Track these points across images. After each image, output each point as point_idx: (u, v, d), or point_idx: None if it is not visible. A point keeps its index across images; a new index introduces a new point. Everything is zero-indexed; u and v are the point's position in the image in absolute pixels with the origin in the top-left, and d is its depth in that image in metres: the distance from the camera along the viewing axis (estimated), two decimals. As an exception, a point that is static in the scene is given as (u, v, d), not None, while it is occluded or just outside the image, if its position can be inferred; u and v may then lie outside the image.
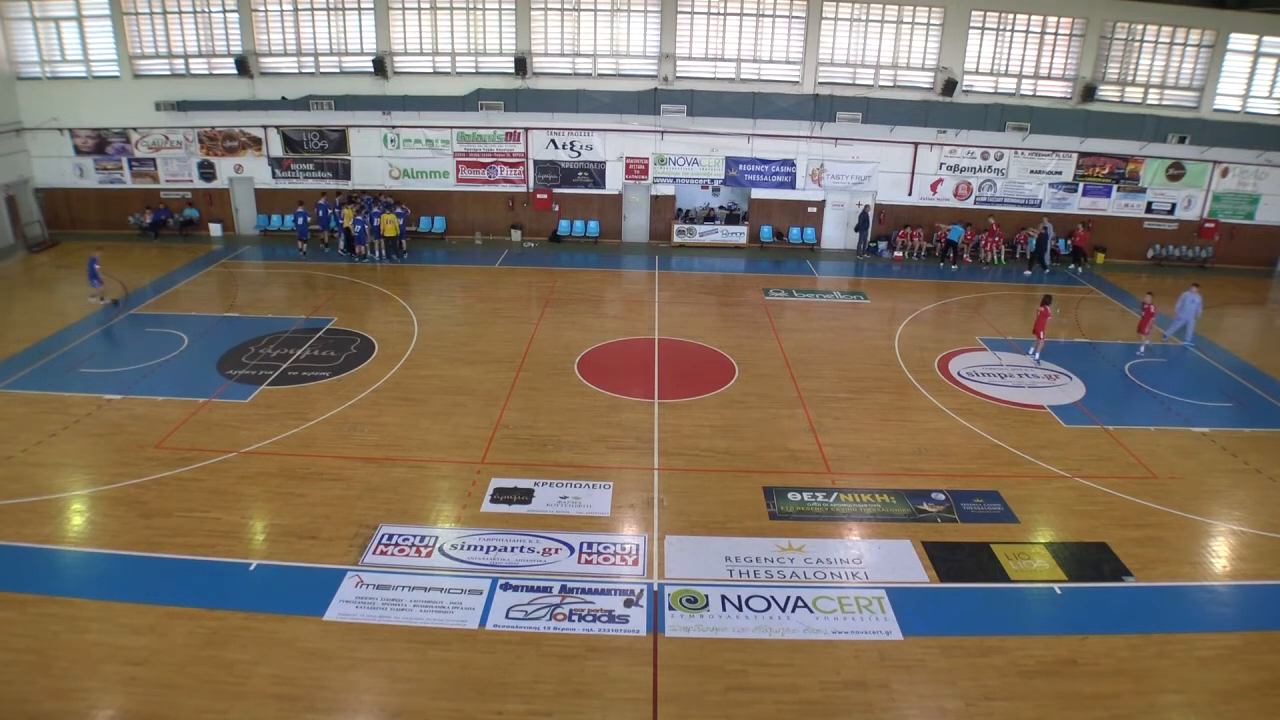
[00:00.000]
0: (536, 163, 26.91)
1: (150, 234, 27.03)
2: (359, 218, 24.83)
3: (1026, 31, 25.49)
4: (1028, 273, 25.97)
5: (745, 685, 8.99)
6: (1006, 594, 10.70)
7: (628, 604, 10.16)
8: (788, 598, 10.37)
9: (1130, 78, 25.90)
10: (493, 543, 11.32)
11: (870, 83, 25.93)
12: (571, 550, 11.20)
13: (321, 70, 25.94)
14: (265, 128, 26.52)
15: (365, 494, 12.42)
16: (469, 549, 11.17)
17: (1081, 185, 26.89)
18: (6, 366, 16.69)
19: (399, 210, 25.36)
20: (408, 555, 10.99)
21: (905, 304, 22.58)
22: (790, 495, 12.70)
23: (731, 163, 26.83)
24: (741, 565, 10.98)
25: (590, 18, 25.42)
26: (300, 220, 25.07)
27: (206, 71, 25.99)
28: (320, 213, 25.62)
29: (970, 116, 25.54)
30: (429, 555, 11.01)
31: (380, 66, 25.36)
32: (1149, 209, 27.23)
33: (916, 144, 26.45)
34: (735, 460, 13.76)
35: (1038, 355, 18.42)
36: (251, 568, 10.72)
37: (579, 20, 25.46)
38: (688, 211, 27.74)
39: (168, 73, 26.08)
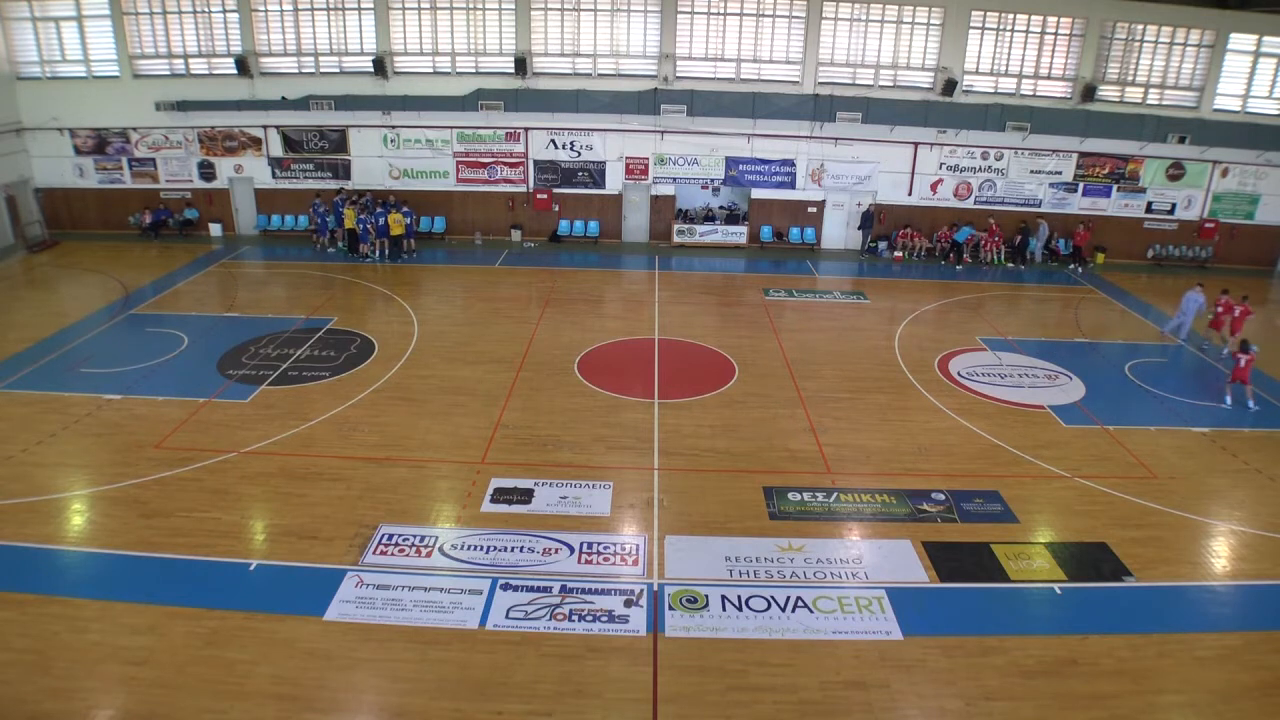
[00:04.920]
0: (536, 163, 26.91)
1: (150, 234, 27.02)
2: (362, 217, 24.85)
3: (1026, 31, 25.47)
4: (1010, 265, 26.18)
5: (745, 685, 8.98)
6: (1006, 594, 10.70)
7: (628, 604, 10.16)
8: (788, 598, 10.36)
9: (1130, 78, 25.88)
10: (493, 543, 11.32)
11: (870, 83, 25.92)
12: (571, 550, 11.20)
13: (321, 70, 25.94)
14: (265, 128, 26.51)
15: (365, 494, 12.42)
16: (469, 549, 11.17)
17: (1081, 185, 26.87)
18: (6, 366, 16.68)
19: (405, 210, 25.41)
20: (408, 555, 10.99)
21: (905, 304, 22.57)
22: (790, 495, 12.70)
23: (731, 163, 26.81)
24: (741, 565, 10.98)
25: (590, 18, 25.40)
26: (315, 210, 26.11)
27: (206, 71, 25.99)
28: (315, 211, 25.87)
29: (970, 116, 25.53)
30: (429, 555, 11.01)
31: (380, 66, 25.35)
32: (1149, 209, 27.21)
33: (916, 144, 26.43)
34: (735, 460, 13.76)
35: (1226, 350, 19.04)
36: (251, 568, 10.72)
37: (579, 20, 25.45)
38: (687, 211, 27.75)
39: (168, 73, 26.08)
